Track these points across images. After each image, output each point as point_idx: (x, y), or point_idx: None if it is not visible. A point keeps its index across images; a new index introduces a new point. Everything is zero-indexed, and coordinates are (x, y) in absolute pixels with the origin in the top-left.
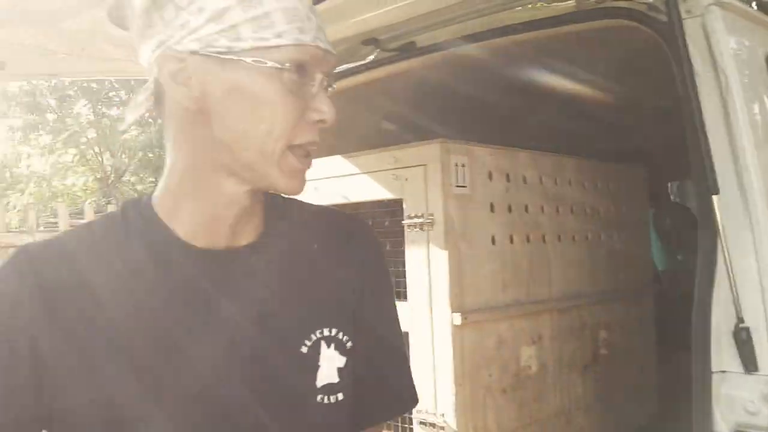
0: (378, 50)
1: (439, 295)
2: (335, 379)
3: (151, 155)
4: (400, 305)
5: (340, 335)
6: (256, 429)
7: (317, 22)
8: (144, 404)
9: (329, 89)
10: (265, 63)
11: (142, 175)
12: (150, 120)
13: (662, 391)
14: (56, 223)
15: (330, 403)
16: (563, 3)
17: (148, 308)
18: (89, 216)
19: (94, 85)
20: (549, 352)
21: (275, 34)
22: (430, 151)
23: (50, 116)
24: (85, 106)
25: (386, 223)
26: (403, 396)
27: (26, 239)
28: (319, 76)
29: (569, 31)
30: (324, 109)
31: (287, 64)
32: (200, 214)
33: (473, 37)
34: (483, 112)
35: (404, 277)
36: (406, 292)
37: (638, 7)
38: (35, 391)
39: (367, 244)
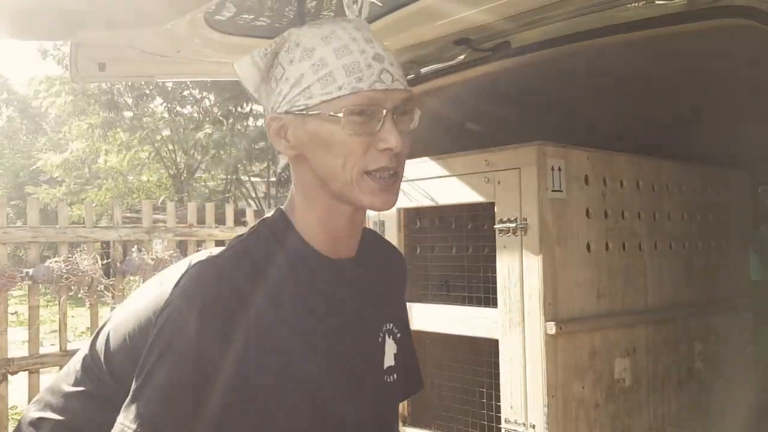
0: (470, 50)
1: (531, 303)
2: (392, 363)
3: (222, 153)
4: (489, 312)
5: (394, 328)
6: (354, 400)
7: (381, 66)
8: (309, 384)
9: (406, 116)
10: (327, 113)
11: (213, 173)
12: (221, 119)
13: (760, 409)
14: (139, 218)
15: (391, 382)
16: (672, 2)
17: (305, 307)
18: (171, 213)
19: (169, 84)
20: (643, 364)
21: (337, 88)
22: (525, 153)
23: (127, 114)
24: (160, 104)
25: (469, 227)
26: (418, 379)
27: (113, 235)
28: (383, 111)
29: (679, 30)
30: (388, 138)
31: (342, 112)
32: (326, 229)
33: (572, 38)
34: (579, 115)
35: (492, 282)
36: (495, 298)
37: (761, 6)
38: (237, 364)
39: (403, 262)
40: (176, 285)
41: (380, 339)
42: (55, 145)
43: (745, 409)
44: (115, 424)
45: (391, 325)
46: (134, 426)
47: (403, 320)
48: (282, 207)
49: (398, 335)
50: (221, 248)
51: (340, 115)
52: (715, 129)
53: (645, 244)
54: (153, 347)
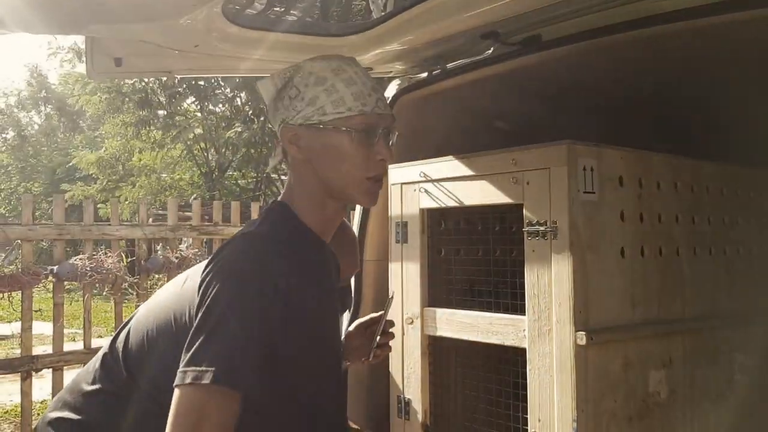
0: (498, 44)
1: (562, 311)
2: None
3: (253, 151)
4: (516, 319)
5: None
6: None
7: (377, 96)
8: (326, 351)
9: (391, 135)
10: (341, 128)
11: (244, 171)
12: (253, 118)
13: None
14: (164, 215)
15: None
16: None
17: (317, 274)
18: (197, 210)
19: (201, 82)
20: (680, 377)
21: (347, 109)
22: (555, 153)
23: (160, 112)
24: (192, 102)
25: (496, 229)
26: None
27: (138, 233)
28: (379, 130)
29: (728, 20)
30: (383, 151)
31: (353, 128)
32: (321, 218)
33: (609, 30)
34: (613, 113)
35: (521, 288)
36: (523, 305)
37: None
38: (289, 309)
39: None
40: (216, 258)
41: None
42: (90, 142)
43: None
44: (182, 373)
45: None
46: (212, 368)
47: None
48: (280, 200)
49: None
50: (246, 227)
51: (349, 130)
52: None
53: (683, 250)
54: (212, 307)
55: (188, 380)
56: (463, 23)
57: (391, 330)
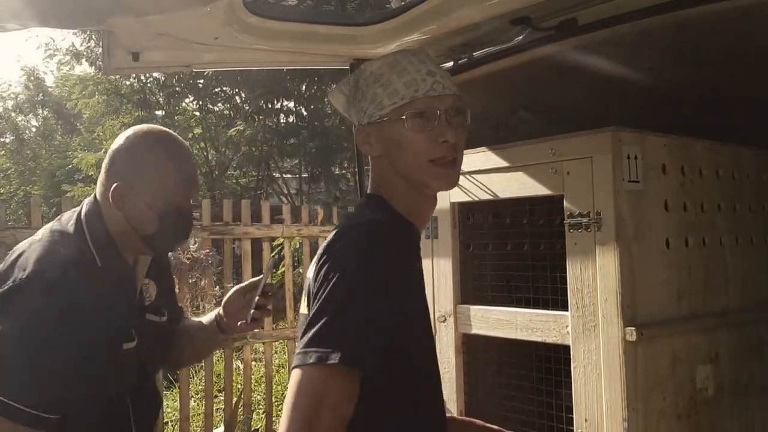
0: (530, 30)
1: (608, 306)
2: None
3: (254, 149)
4: (558, 315)
5: None
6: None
7: (433, 79)
8: (428, 329)
9: (458, 115)
10: (395, 118)
11: (245, 170)
12: (253, 115)
13: None
14: None
15: None
16: None
17: (418, 261)
18: (206, 211)
19: (200, 81)
20: (726, 372)
21: (400, 98)
22: (598, 140)
23: (159, 113)
24: (191, 101)
25: (536, 222)
26: None
27: None
28: (437, 112)
29: None
30: (444, 132)
31: (407, 115)
32: (411, 210)
33: (649, 11)
34: (655, 99)
35: (561, 283)
36: (564, 300)
37: None
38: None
39: None
40: (333, 249)
41: None
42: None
43: None
44: (303, 354)
45: None
46: (338, 349)
47: None
48: (370, 192)
49: None
50: (358, 216)
51: (404, 117)
52: None
53: (726, 239)
54: (335, 291)
55: (311, 360)
56: (491, 9)
57: (270, 293)
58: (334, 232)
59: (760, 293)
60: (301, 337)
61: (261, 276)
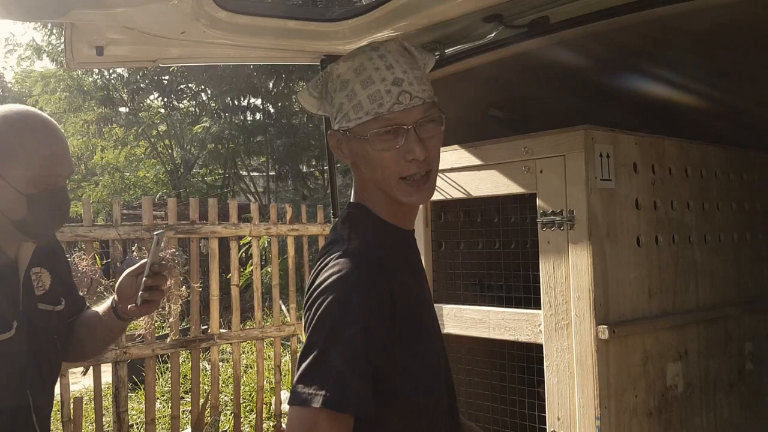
0: (502, 27)
1: (581, 305)
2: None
3: (220, 147)
4: (530, 314)
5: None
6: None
7: (399, 90)
8: (428, 333)
9: (431, 123)
10: (360, 136)
11: (211, 167)
12: (219, 112)
13: None
14: (136, 215)
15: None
16: None
17: (412, 272)
18: (172, 210)
19: (165, 78)
20: (695, 368)
21: (364, 113)
22: (571, 138)
23: (123, 110)
24: (156, 98)
25: (508, 220)
26: None
27: (112, 233)
28: (405, 128)
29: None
30: (412, 150)
31: (372, 134)
32: (396, 213)
33: (622, 9)
34: (626, 98)
35: (533, 281)
36: (538, 299)
37: None
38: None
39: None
40: (320, 280)
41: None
42: None
43: None
44: (294, 393)
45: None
46: (322, 392)
47: None
48: (354, 201)
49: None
50: (338, 243)
51: (368, 137)
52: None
53: (695, 237)
54: (320, 326)
55: (298, 402)
56: (463, 6)
57: (163, 273)
58: (320, 256)
59: (728, 290)
60: (298, 365)
61: (146, 258)
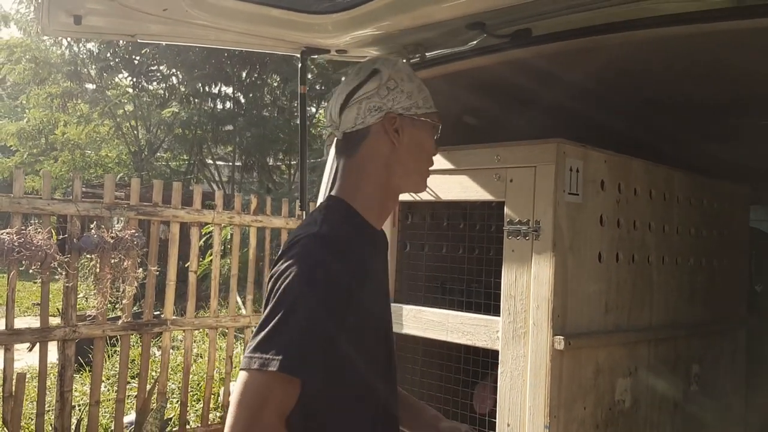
0: (484, 36)
1: (539, 314)
2: None
3: (187, 132)
4: (489, 320)
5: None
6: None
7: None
8: (381, 322)
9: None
10: (429, 122)
11: (176, 152)
12: (189, 97)
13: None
14: (95, 194)
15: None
16: None
17: (374, 266)
18: (135, 190)
19: (136, 58)
20: (643, 386)
21: (431, 106)
22: (543, 151)
23: (90, 86)
24: (125, 77)
25: (475, 226)
26: None
27: (71, 209)
28: (439, 129)
29: (724, 28)
30: (437, 149)
31: (435, 123)
32: (380, 214)
33: (603, 28)
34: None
35: (494, 288)
36: (498, 305)
37: None
38: (348, 308)
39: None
40: (287, 256)
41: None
42: (9, 112)
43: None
44: (248, 359)
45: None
46: (279, 357)
47: None
48: (334, 194)
49: None
50: (310, 225)
51: (434, 124)
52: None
53: (653, 257)
54: (281, 299)
55: (255, 366)
56: (449, 11)
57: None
58: (290, 237)
59: (680, 312)
60: (253, 337)
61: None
